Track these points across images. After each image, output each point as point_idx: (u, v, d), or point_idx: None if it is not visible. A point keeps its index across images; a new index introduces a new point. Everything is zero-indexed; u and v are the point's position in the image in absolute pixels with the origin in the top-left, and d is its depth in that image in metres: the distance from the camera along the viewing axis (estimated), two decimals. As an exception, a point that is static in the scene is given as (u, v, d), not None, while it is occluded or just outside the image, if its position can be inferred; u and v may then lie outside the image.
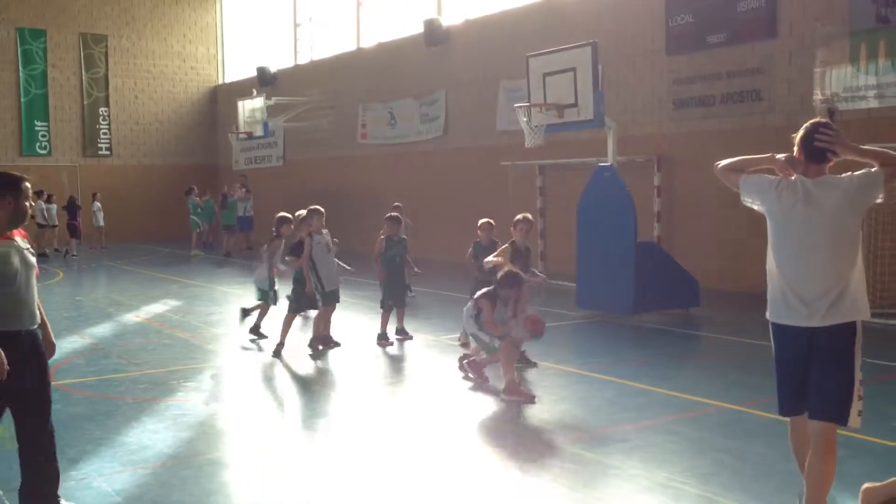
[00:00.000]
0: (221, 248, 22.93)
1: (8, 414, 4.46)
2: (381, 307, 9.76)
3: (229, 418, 6.77)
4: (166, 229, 28.38)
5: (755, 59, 13.75)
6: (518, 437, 6.16)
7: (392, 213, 10.37)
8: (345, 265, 10.27)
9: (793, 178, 4.09)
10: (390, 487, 5.11)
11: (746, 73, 13.88)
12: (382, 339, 9.66)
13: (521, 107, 11.70)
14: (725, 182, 4.44)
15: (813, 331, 3.94)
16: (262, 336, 9.97)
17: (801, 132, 4.13)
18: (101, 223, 24.67)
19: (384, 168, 22.20)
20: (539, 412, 6.90)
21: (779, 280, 4.05)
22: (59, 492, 4.62)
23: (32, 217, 4.55)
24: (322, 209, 9.39)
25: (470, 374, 7.77)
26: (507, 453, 5.77)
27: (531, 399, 7.04)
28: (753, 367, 8.42)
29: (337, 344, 9.35)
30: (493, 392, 7.43)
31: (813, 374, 3.97)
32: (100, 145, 29.21)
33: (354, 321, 11.11)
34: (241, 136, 23.79)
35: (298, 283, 9.29)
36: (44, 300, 4.98)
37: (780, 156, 4.18)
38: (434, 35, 20.27)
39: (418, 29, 20.83)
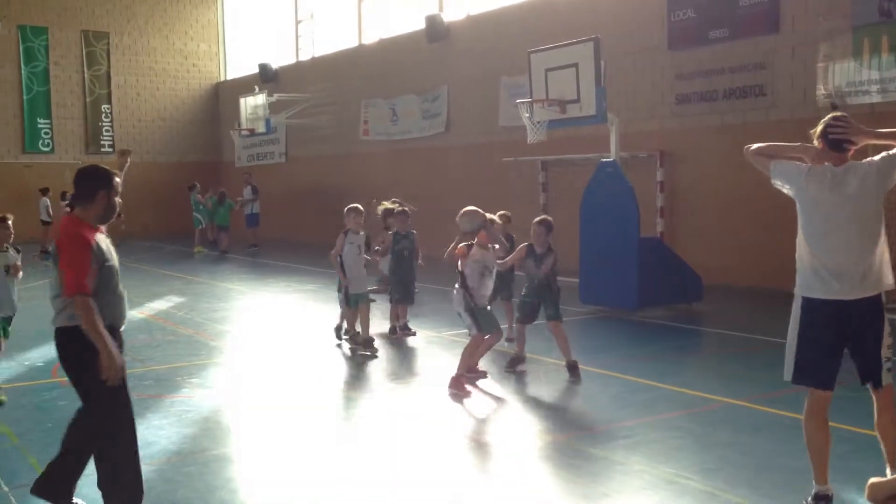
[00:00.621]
0: (219, 246, 22.88)
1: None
2: (390, 302, 9.82)
3: (235, 414, 6.78)
4: (169, 226, 28.41)
5: (758, 54, 13.72)
6: (522, 432, 6.16)
7: (402, 208, 10.24)
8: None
9: (821, 166, 4.36)
10: (395, 483, 5.12)
11: (749, 69, 13.85)
12: (391, 334, 9.72)
13: (523, 102, 11.69)
14: (755, 164, 4.67)
15: (846, 304, 4.22)
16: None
17: (819, 126, 4.41)
18: None
19: (386, 164, 22.19)
20: (544, 408, 6.91)
21: (809, 259, 4.35)
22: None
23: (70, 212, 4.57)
24: (360, 207, 9.14)
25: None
26: (511, 449, 5.77)
27: (467, 393, 7.15)
28: (757, 362, 8.43)
29: (371, 348, 8.96)
30: (494, 387, 7.45)
31: (852, 345, 4.28)
32: (102, 142, 29.24)
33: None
34: (244, 132, 23.77)
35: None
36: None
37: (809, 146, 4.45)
38: (435, 31, 20.25)
39: (420, 25, 20.82)
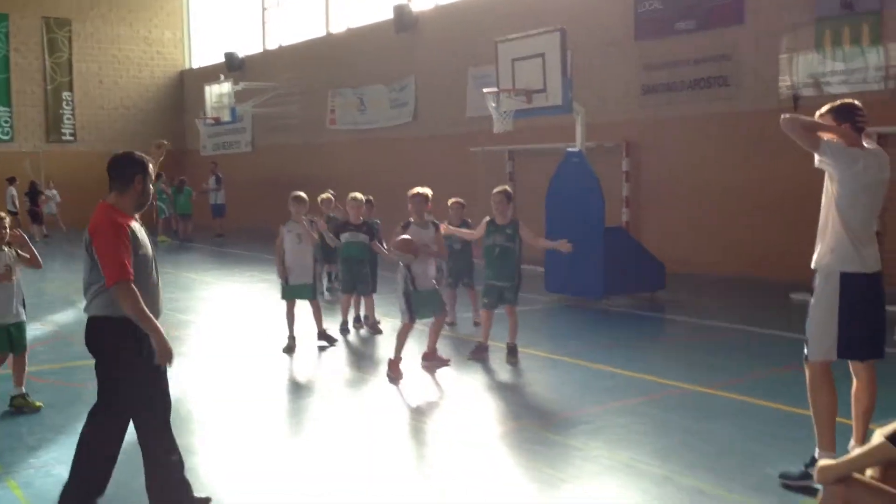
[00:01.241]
0: (178, 236, 22.60)
1: None
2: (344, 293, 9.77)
3: (195, 405, 6.70)
4: (134, 216, 27.98)
5: (722, 45, 13.84)
6: (482, 420, 6.16)
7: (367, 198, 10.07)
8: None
9: (868, 150, 4.60)
10: (348, 474, 5.09)
11: (714, 60, 13.97)
12: (356, 323, 9.79)
13: (489, 92, 11.66)
14: (798, 136, 4.63)
15: (876, 276, 4.59)
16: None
17: (827, 107, 4.71)
18: (54, 210, 24.21)
19: (353, 154, 22.08)
20: (507, 395, 6.91)
21: (854, 234, 4.53)
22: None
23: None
24: (301, 196, 8.89)
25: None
26: (470, 436, 5.75)
27: (399, 378, 7.24)
28: (718, 350, 8.53)
29: (328, 338, 8.85)
30: (457, 375, 7.45)
31: (879, 315, 4.61)
32: (63, 131, 28.73)
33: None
34: (209, 121, 23.47)
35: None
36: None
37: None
38: (404, 21, 20.15)
39: (388, 15, 20.70)
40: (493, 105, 11.50)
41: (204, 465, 5.23)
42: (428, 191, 7.66)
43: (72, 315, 11.12)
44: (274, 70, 25.39)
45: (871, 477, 3.13)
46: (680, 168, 14.44)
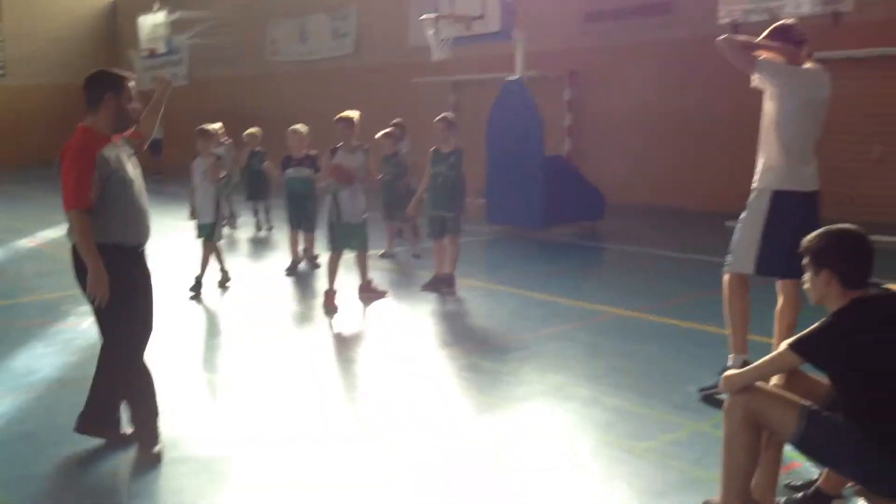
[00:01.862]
0: None
1: None
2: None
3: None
4: (66, 152, 27.13)
5: (664, -29, 13.72)
6: (415, 349, 6.17)
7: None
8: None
9: (804, 66, 4.60)
10: (275, 409, 5.08)
11: (655, -14, 13.85)
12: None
13: (427, 18, 11.42)
14: (732, 57, 4.66)
15: (813, 195, 4.59)
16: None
17: (771, 30, 4.69)
18: None
19: (296, 86, 21.57)
20: (441, 325, 6.94)
21: (794, 152, 4.56)
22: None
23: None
24: (206, 129, 8.47)
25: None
26: (401, 366, 5.76)
27: (334, 310, 7.22)
28: (651, 275, 8.67)
29: (198, 289, 8.05)
30: (393, 305, 7.45)
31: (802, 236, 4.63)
32: (-9, 65, 27.52)
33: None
34: (143, 53, 22.71)
35: None
36: None
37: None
38: (343, -54, 19.51)
39: (327, -61, 20.03)
40: (431, 32, 11.28)
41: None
42: (353, 114, 7.42)
43: (1, 254, 10.82)
44: (210, -1, 24.51)
45: (776, 385, 3.21)
46: (621, 97, 14.42)
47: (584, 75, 15.09)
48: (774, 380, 3.22)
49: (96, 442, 4.35)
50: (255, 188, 11.85)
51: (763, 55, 4.62)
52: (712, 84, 12.64)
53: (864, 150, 10.92)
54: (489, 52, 14.37)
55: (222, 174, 8.58)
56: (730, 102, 11.64)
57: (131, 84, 4.18)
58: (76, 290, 4.22)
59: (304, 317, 7.34)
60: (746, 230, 4.68)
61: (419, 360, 5.85)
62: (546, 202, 11.04)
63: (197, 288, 8.06)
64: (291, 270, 9.10)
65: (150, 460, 4.15)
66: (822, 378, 3.18)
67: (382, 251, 9.84)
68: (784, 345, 3.07)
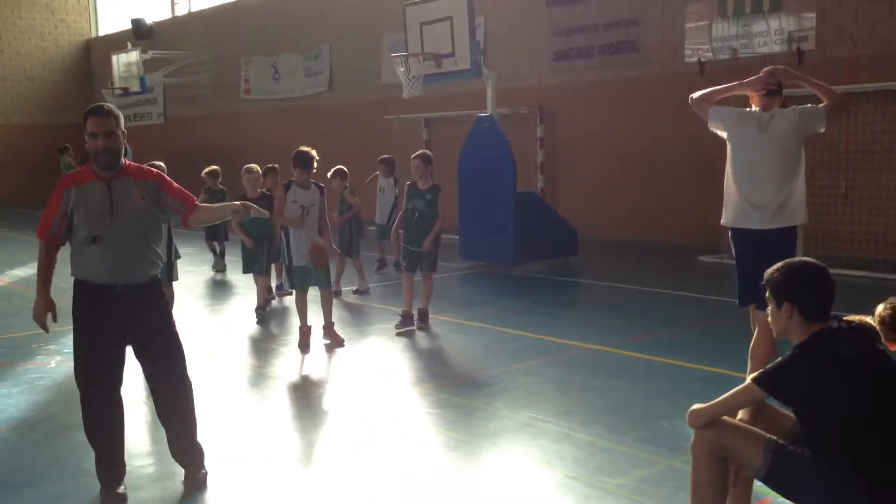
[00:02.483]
0: None
1: None
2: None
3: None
4: (39, 191, 26.70)
5: (631, 9, 13.98)
6: (387, 385, 6.13)
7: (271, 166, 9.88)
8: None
9: (750, 109, 5.06)
10: (246, 444, 5.01)
11: (623, 25, 14.11)
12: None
13: (398, 56, 11.54)
14: (698, 111, 5.21)
15: (763, 233, 4.85)
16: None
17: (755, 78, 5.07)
18: None
19: (269, 124, 21.61)
20: (413, 360, 6.91)
21: (735, 192, 4.98)
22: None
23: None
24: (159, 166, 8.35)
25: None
26: (371, 401, 5.73)
27: (307, 348, 7.16)
28: (621, 311, 8.71)
29: None
30: (365, 339, 7.41)
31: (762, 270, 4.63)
32: (-39, 103, 27.31)
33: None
34: (117, 91, 22.65)
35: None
36: None
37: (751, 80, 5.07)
38: (316, -14, 19.71)
39: (300, -21, 20.22)
40: (402, 70, 11.39)
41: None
42: (309, 150, 7.22)
43: None
44: (184, 37, 24.56)
45: (742, 419, 3.22)
46: (592, 133, 14.59)
47: (555, 112, 15.27)
48: (741, 414, 3.23)
49: (64, 484, 4.28)
50: (212, 228, 11.55)
51: (716, 101, 5.14)
52: (681, 119, 12.83)
53: (829, 186, 11.10)
54: (461, 90, 14.53)
55: None
56: (698, 138, 11.81)
57: (91, 120, 4.06)
58: (41, 329, 4.27)
59: (275, 353, 7.27)
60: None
61: (388, 396, 5.81)
62: (518, 238, 11.09)
63: None
64: (260, 311, 8.59)
65: (112, 499, 4.08)
66: (788, 412, 3.19)
67: (355, 287, 9.86)
68: (749, 379, 3.09)
